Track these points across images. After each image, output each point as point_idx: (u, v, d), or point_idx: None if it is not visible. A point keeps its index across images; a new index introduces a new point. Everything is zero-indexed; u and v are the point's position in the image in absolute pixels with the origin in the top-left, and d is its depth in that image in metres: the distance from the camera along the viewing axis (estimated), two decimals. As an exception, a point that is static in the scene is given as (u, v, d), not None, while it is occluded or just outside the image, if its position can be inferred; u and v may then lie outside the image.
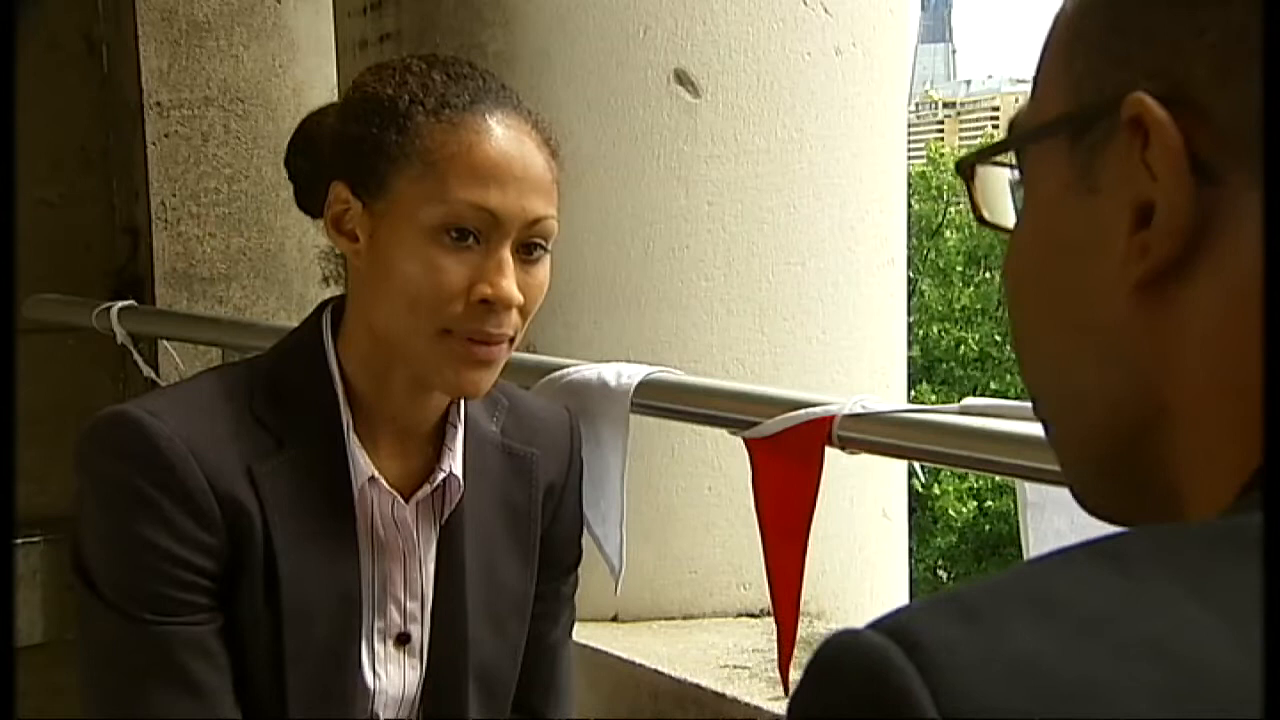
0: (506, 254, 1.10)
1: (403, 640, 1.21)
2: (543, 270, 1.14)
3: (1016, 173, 0.55)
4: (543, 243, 1.13)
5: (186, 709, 1.09)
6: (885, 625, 0.39)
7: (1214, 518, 0.45)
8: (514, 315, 1.12)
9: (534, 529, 1.28)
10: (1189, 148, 0.46)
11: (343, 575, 1.16)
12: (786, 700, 1.58)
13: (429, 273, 1.09)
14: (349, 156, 1.13)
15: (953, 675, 0.37)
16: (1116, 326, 0.49)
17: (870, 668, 0.38)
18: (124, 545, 1.09)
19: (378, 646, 1.20)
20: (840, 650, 0.40)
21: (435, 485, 1.20)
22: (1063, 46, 0.51)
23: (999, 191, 0.56)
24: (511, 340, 1.13)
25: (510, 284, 1.10)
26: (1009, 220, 0.56)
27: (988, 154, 0.55)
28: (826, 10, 1.96)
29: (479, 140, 1.10)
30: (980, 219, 0.56)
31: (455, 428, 1.22)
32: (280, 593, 1.12)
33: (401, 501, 1.19)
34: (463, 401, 1.23)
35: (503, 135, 1.11)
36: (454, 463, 1.20)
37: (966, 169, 0.56)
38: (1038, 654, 0.38)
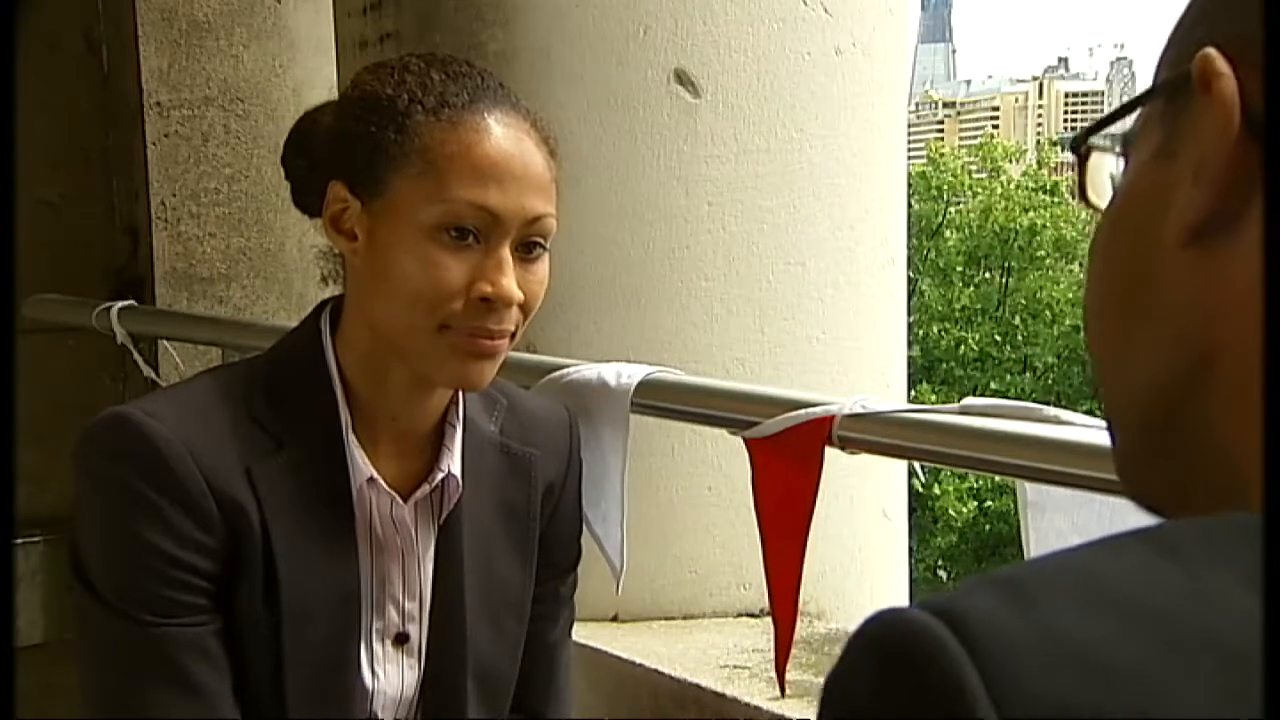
0: (506, 252, 1.11)
1: (401, 640, 1.21)
2: (542, 268, 1.15)
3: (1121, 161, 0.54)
4: (542, 241, 1.14)
5: (185, 709, 1.09)
6: (932, 605, 0.38)
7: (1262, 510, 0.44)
8: (514, 312, 1.12)
9: (533, 528, 1.28)
10: (1246, 104, 0.46)
11: (342, 575, 1.16)
12: (785, 700, 1.58)
13: (428, 271, 1.09)
14: (347, 155, 1.13)
15: (1003, 657, 0.36)
16: (1169, 283, 0.49)
17: (918, 646, 0.37)
18: (123, 547, 1.09)
19: (376, 647, 1.20)
20: (887, 627, 0.38)
21: (434, 485, 1.20)
22: (1184, 21, 0.52)
23: (1106, 177, 0.55)
24: (512, 335, 1.13)
25: (510, 282, 1.10)
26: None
27: (1095, 129, 0.55)
28: (826, 10, 1.96)
29: (478, 139, 1.10)
30: (1085, 200, 0.56)
31: (454, 427, 1.22)
32: (279, 594, 1.12)
33: (400, 501, 1.19)
34: (461, 401, 1.23)
35: (502, 134, 1.11)
36: (452, 462, 1.20)
37: (1081, 149, 0.55)
38: (1090, 640, 0.37)
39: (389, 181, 1.10)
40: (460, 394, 1.23)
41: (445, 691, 1.23)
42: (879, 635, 0.39)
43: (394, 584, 1.20)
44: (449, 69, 1.13)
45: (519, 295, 1.11)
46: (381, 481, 1.17)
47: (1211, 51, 0.47)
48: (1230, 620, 0.37)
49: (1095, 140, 0.55)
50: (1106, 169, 0.55)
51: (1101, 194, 0.55)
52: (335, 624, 1.16)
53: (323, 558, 1.14)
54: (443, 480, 1.20)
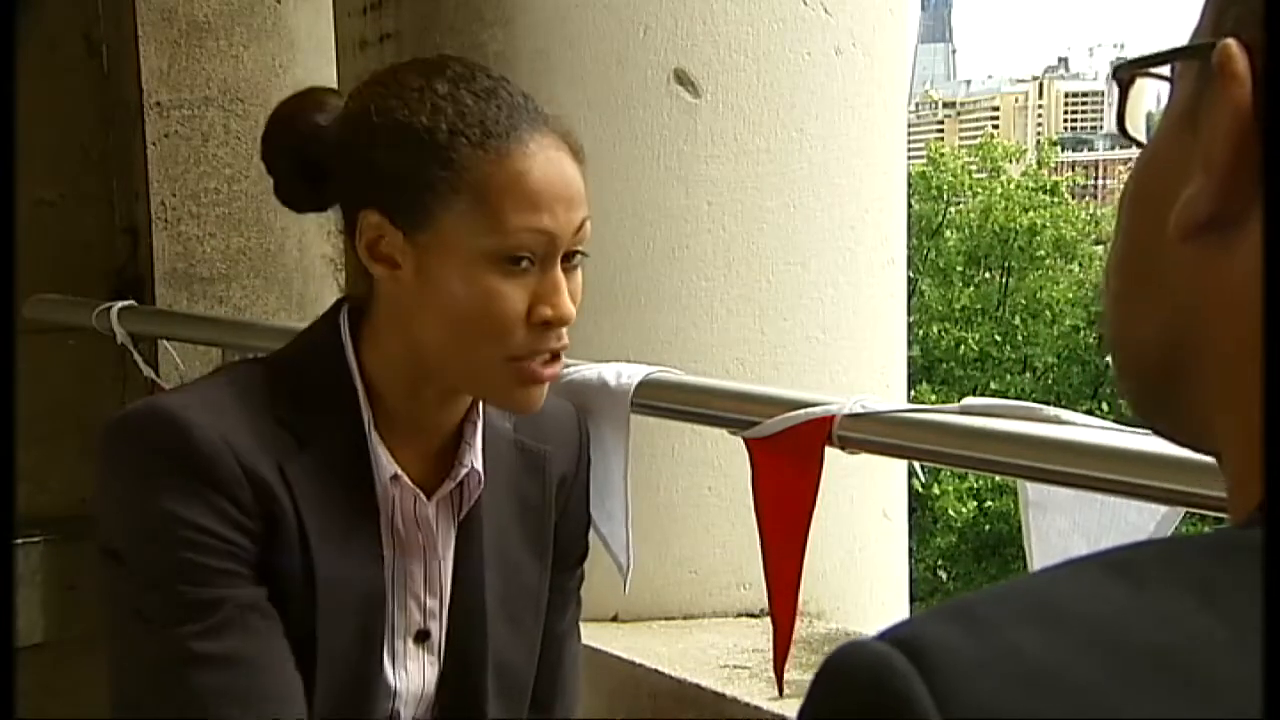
0: (559, 273, 1.13)
1: (422, 637, 1.22)
2: (580, 277, 1.17)
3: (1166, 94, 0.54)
4: (584, 250, 1.16)
5: (247, 646, 1.08)
6: (889, 634, 0.39)
7: (1229, 529, 0.44)
8: (565, 329, 1.15)
9: (548, 524, 1.29)
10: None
11: (369, 573, 1.16)
12: (784, 700, 1.58)
13: (490, 301, 1.10)
14: (384, 186, 1.12)
15: (955, 679, 0.37)
16: (1169, 270, 0.49)
17: (872, 673, 0.38)
18: (163, 526, 1.08)
19: (398, 644, 1.21)
20: (843, 658, 0.40)
21: (457, 481, 1.21)
22: None
23: (1143, 108, 0.55)
24: (563, 353, 1.16)
25: (567, 301, 1.13)
26: (1144, 137, 0.55)
27: (1142, 63, 0.54)
28: (826, 10, 1.96)
29: (528, 167, 1.10)
30: (1121, 128, 0.55)
31: (475, 425, 1.23)
32: (316, 591, 1.12)
33: (424, 499, 1.19)
34: (481, 401, 1.23)
35: (545, 159, 1.12)
36: (475, 459, 1.21)
37: (1124, 76, 0.55)
38: (1043, 661, 0.37)
39: (436, 214, 1.10)
40: None
41: (464, 689, 1.24)
42: (837, 666, 0.40)
43: (415, 581, 1.21)
44: (475, 87, 1.12)
45: (574, 313, 1.14)
46: (405, 479, 1.18)
47: (1232, 46, 0.46)
48: (1184, 639, 0.38)
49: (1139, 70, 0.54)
50: (1146, 103, 0.55)
51: (1138, 127, 0.55)
52: (363, 621, 1.16)
53: (352, 555, 1.15)
54: (465, 477, 1.21)
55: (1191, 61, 0.50)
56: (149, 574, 1.08)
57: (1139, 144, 0.54)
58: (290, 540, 1.11)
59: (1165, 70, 0.53)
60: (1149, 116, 0.55)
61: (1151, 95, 0.55)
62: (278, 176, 1.21)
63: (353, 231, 1.15)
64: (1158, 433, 0.55)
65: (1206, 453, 0.51)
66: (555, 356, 1.15)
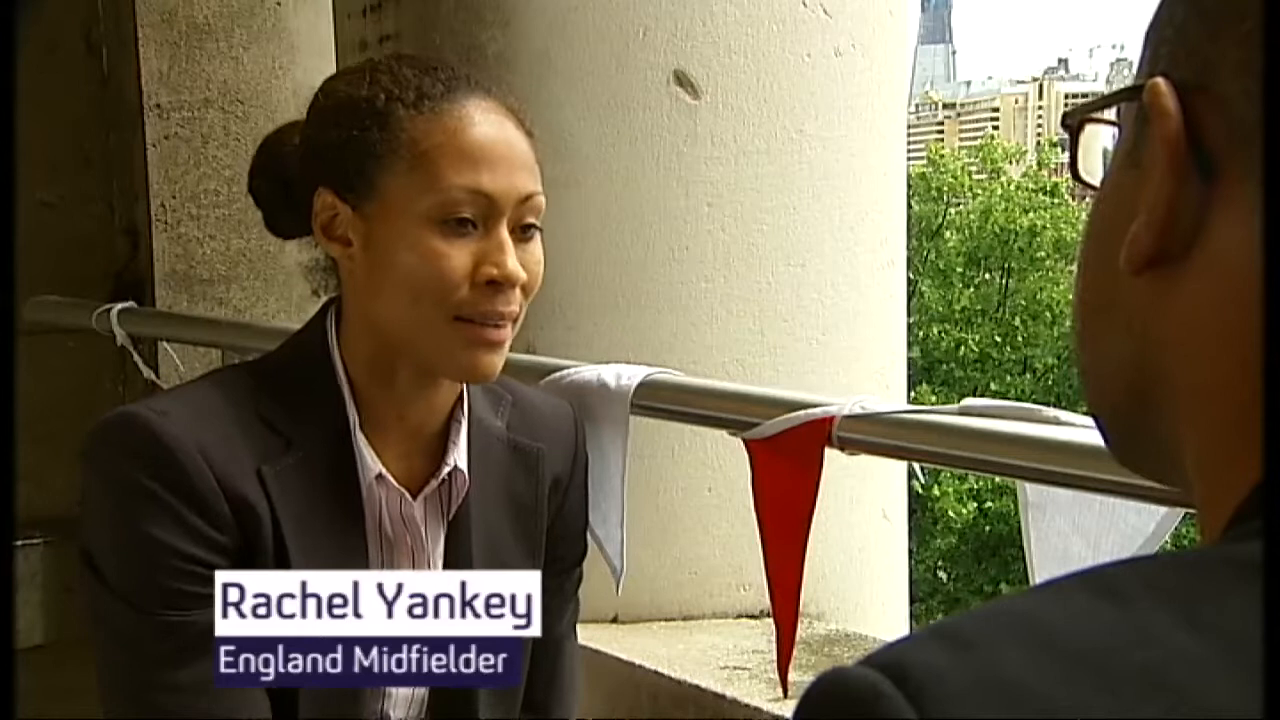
0: (504, 233, 1.12)
1: None
2: (538, 248, 1.16)
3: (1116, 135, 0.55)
4: (535, 220, 1.15)
5: (203, 696, 1.09)
6: (874, 659, 0.39)
7: (1209, 546, 0.45)
8: (518, 293, 1.13)
9: (540, 523, 1.29)
10: (1198, 137, 0.46)
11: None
12: (785, 701, 1.58)
13: (432, 261, 1.10)
14: (332, 162, 1.14)
15: (942, 702, 0.37)
16: (1125, 303, 0.50)
17: (859, 699, 0.38)
18: (136, 544, 1.09)
19: None
20: (830, 684, 0.40)
21: (441, 480, 1.20)
22: (1163, 12, 0.51)
23: (1098, 151, 0.56)
24: (515, 320, 1.15)
25: (513, 261, 1.12)
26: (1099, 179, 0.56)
27: (1089, 109, 0.55)
28: (826, 11, 1.96)
29: (462, 126, 1.11)
30: (1075, 175, 0.56)
31: (460, 423, 1.22)
32: None
33: (409, 498, 1.19)
34: (467, 398, 1.23)
35: (483, 119, 1.12)
36: (459, 457, 1.21)
37: (1073, 122, 0.56)
38: (1029, 683, 0.37)
39: (379, 181, 1.11)
40: (466, 391, 1.23)
41: (455, 690, 1.24)
42: (825, 695, 0.40)
43: None
44: (419, 64, 1.15)
45: (522, 274, 1.12)
46: (390, 478, 1.18)
47: (1159, 84, 0.47)
48: (1169, 657, 0.38)
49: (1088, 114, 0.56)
50: (1100, 144, 0.56)
51: (1093, 171, 0.55)
52: None
53: (334, 556, 1.15)
54: (449, 475, 1.21)
55: (1131, 104, 0.51)
56: (122, 593, 1.09)
57: (1092, 187, 0.55)
58: (266, 549, 1.11)
59: (1112, 114, 0.54)
60: (1105, 154, 0.55)
61: (1107, 137, 0.55)
62: (262, 204, 1.23)
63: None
64: (1128, 463, 0.56)
65: (1173, 480, 0.52)
66: (504, 323, 1.13)
